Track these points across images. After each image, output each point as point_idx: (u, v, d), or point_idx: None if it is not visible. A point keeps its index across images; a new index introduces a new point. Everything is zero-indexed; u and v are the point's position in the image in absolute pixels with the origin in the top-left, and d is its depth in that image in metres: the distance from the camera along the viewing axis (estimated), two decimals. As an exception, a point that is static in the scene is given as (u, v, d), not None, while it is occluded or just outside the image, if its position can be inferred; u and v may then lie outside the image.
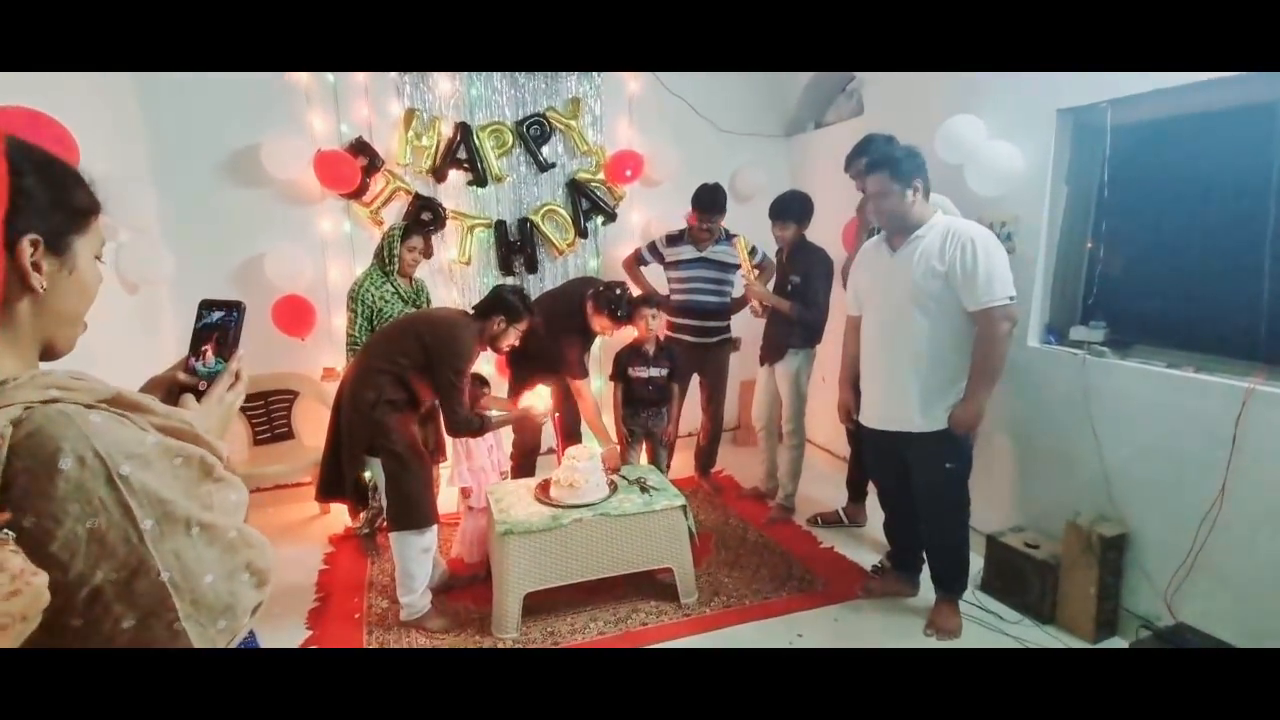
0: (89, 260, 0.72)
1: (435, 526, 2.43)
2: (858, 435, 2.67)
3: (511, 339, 2.49)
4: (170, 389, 0.85)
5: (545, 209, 3.74)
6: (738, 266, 3.27)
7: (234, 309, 0.88)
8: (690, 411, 3.61)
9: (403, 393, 2.34)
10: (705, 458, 3.67)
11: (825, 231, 3.54)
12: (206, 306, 0.88)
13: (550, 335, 2.90)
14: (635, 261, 3.51)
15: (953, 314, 2.16)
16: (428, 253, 3.08)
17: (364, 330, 2.84)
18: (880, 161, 2.21)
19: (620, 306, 2.92)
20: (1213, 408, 2.01)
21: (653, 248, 3.45)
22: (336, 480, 2.42)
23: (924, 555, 2.56)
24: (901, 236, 2.23)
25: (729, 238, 3.30)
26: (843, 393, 2.58)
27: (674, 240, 3.38)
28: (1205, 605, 2.07)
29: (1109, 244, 2.45)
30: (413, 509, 2.34)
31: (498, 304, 2.45)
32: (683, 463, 3.73)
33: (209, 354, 0.85)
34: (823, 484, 3.57)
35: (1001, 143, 2.54)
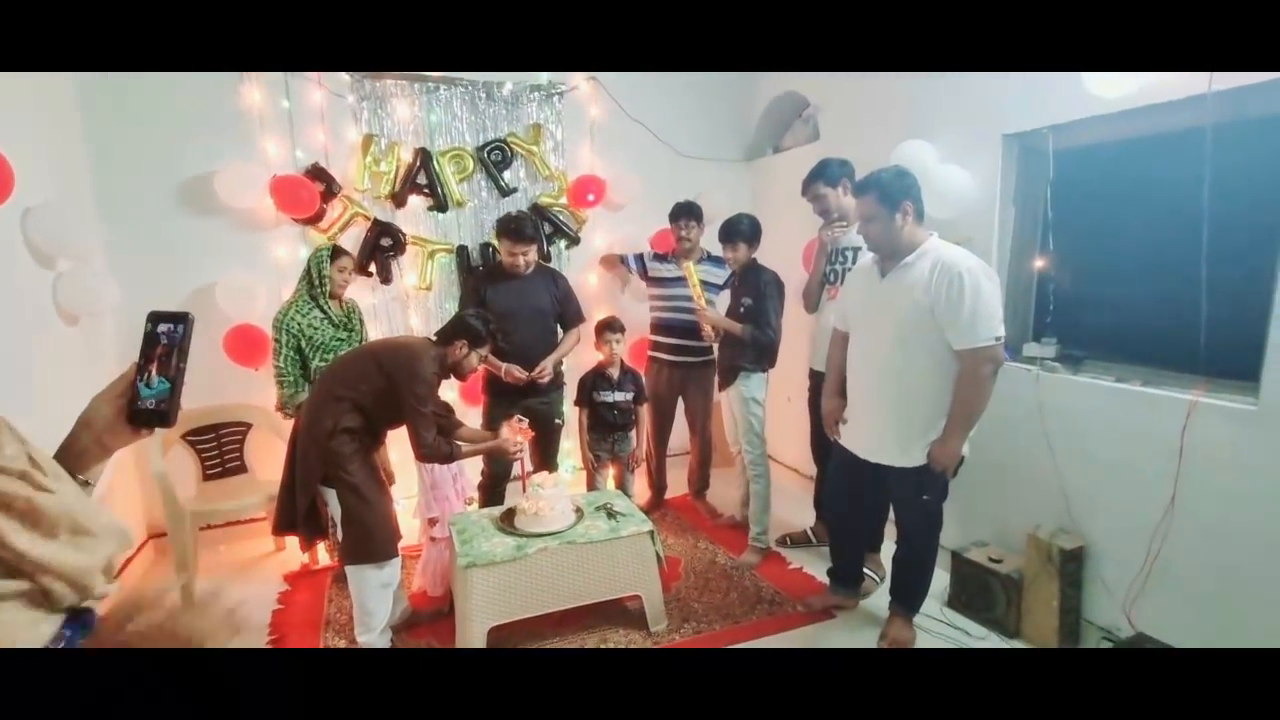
0: None
1: (396, 560, 2.35)
2: (825, 451, 2.67)
3: (475, 365, 2.44)
4: (119, 409, 0.81)
5: (496, 240, 3.72)
6: (721, 287, 3.28)
7: (179, 321, 0.83)
8: (679, 432, 3.59)
9: (361, 421, 2.27)
10: (697, 481, 3.64)
11: (784, 253, 3.60)
12: (153, 319, 0.83)
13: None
14: (617, 263, 3.52)
15: (936, 350, 2.10)
16: (385, 274, 3.03)
17: (291, 361, 2.76)
18: (868, 183, 2.15)
19: (514, 221, 2.98)
20: (1160, 420, 2.08)
21: (640, 258, 3.46)
22: (294, 513, 2.33)
23: (864, 570, 2.65)
24: (892, 261, 2.17)
25: (711, 258, 3.32)
26: (828, 401, 2.50)
27: (661, 258, 3.41)
28: (1162, 614, 2.12)
29: (1057, 263, 2.54)
30: (370, 541, 2.26)
31: (460, 329, 2.41)
32: (676, 481, 3.71)
33: (152, 374, 0.81)
34: (791, 504, 3.57)
35: (952, 167, 2.62)
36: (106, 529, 0.72)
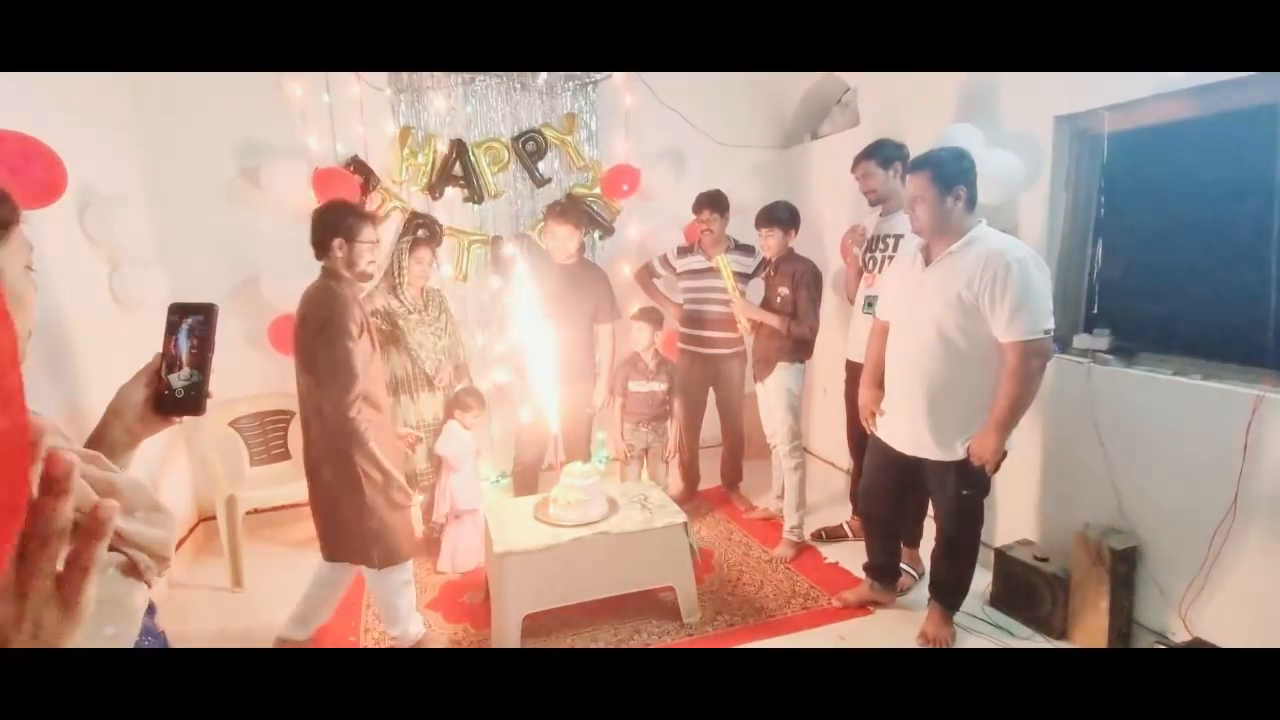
0: (17, 271, 0.70)
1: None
2: (861, 443, 2.62)
3: (368, 256, 2.08)
4: (147, 397, 0.84)
5: (542, 225, 3.73)
6: (749, 276, 3.23)
7: (206, 313, 0.85)
8: (711, 423, 3.56)
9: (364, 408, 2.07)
10: (729, 473, 3.61)
11: (822, 242, 3.53)
12: (179, 311, 0.85)
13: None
14: (648, 275, 3.51)
15: (980, 345, 2.03)
16: None
17: None
18: (924, 161, 2.07)
19: (563, 207, 3.10)
20: (1222, 416, 1.97)
21: (664, 261, 3.44)
22: (337, 535, 2.16)
23: (902, 566, 2.61)
24: (937, 248, 2.10)
25: (739, 247, 3.27)
26: (865, 392, 2.44)
27: (684, 251, 3.37)
28: (1221, 618, 2.02)
29: (1110, 250, 2.43)
30: (395, 540, 2.15)
31: (326, 230, 2.03)
32: (709, 473, 3.66)
33: (184, 364, 0.84)
34: (826, 497, 3.52)
35: (1000, 151, 2.52)
36: None
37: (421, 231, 3.49)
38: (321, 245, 2.06)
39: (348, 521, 2.12)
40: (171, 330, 0.84)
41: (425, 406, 2.96)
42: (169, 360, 0.83)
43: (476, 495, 2.99)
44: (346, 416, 1.99)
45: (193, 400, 0.83)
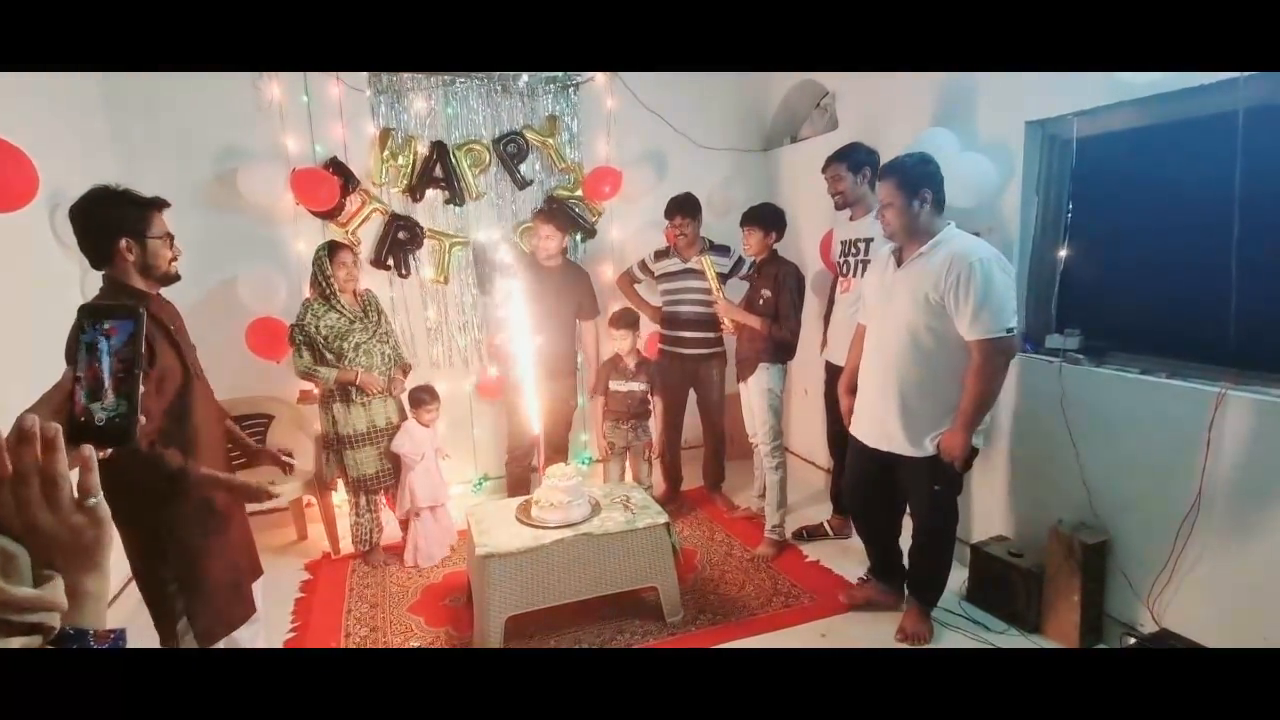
0: None
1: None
2: (840, 443, 2.65)
3: (166, 252, 1.65)
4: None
5: (524, 227, 3.73)
6: (727, 276, 3.26)
7: (134, 321, 0.66)
8: (694, 423, 3.58)
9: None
10: (711, 473, 3.64)
11: (802, 244, 3.57)
12: (96, 318, 0.65)
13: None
14: (629, 281, 3.54)
15: (948, 343, 2.09)
16: (403, 268, 3.05)
17: (309, 363, 2.82)
18: (890, 168, 2.14)
19: (546, 207, 3.33)
20: (1186, 413, 2.03)
21: (642, 265, 3.47)
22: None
23: (905, 563, 2.59)
24: (908, 250, 2.16)
25: (714, 248, 3.29)
26: (844, 399, 2.50)
27: (661, 255, 3.40)
28: (1187, 610, 2.08)
29: (1080, 252, 2.49)
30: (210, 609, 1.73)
31: (102, 231, 1.56)
32: (693, 473, 3.68)
33: (108, 393, 0.65)
34: (807, 496, 3.56)
35: (973, 155, 2.57)
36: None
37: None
38: (100, 252, 1.55)
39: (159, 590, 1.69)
40: (93, 345, 0.66)
41: (378, 411, 2.93)
42: (90, 382, 0.65)
43: (439, 490, 3.03)
44: (144, 452, 1.52)
45: (120, 429, 0.65)
